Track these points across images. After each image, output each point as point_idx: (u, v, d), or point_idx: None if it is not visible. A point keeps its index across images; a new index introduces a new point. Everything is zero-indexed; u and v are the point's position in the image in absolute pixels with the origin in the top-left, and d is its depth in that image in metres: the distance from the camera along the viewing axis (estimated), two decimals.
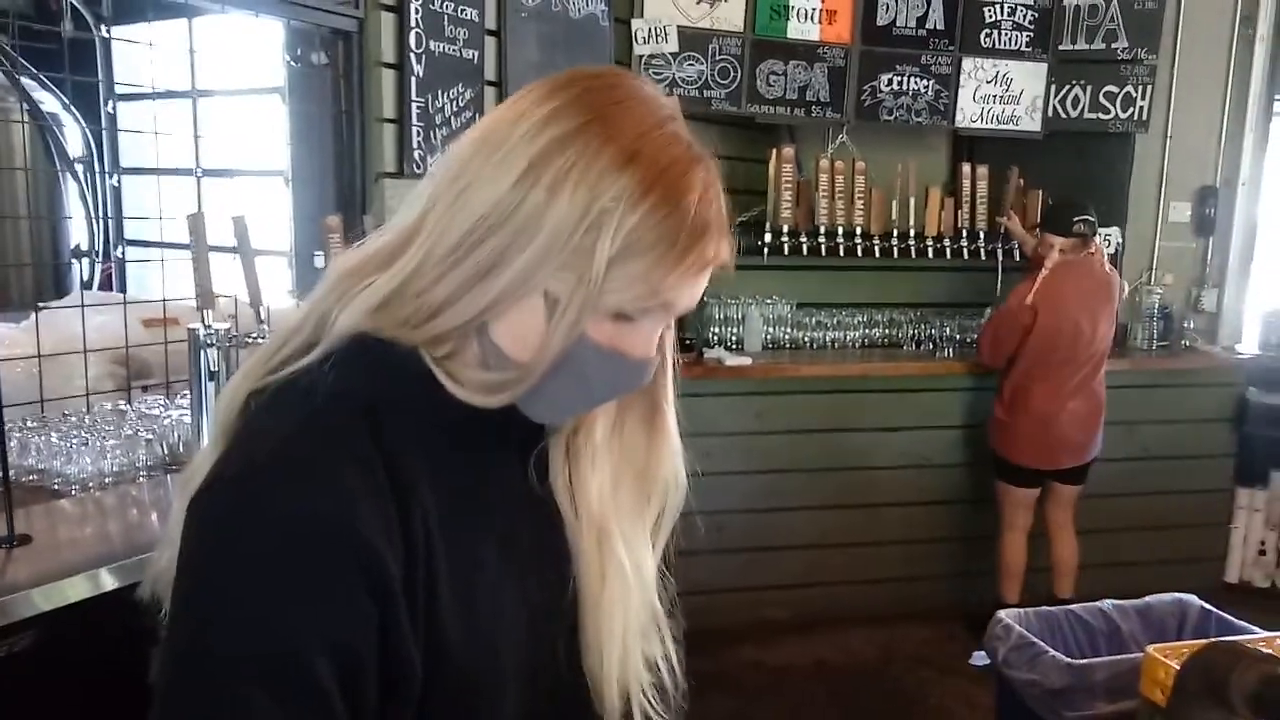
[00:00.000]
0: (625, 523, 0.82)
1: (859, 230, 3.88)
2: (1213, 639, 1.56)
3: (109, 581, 1.56)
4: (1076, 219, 3.41)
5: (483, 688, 0.73)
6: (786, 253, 3.82)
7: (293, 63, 3.26)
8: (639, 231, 0.67)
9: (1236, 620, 2.05)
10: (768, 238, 3.78)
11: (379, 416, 0.70)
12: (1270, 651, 0.86)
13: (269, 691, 0.60)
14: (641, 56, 3.64)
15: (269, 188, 3.90)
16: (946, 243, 3.98)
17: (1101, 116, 4.14)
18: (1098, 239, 3.59)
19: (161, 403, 2.21)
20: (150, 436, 1.99)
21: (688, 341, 3.73)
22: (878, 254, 3.91)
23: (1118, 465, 3.81)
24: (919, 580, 3.88)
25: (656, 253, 0.68)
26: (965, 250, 4.00)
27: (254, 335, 1.98)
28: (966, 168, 4.06)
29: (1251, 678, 0.76)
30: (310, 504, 0.65)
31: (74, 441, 1.89)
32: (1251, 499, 4.30)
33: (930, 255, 3.97)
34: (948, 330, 4.12)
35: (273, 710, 0.60)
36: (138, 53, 3.59)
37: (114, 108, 3.99)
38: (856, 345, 4.12)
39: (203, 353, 1.88)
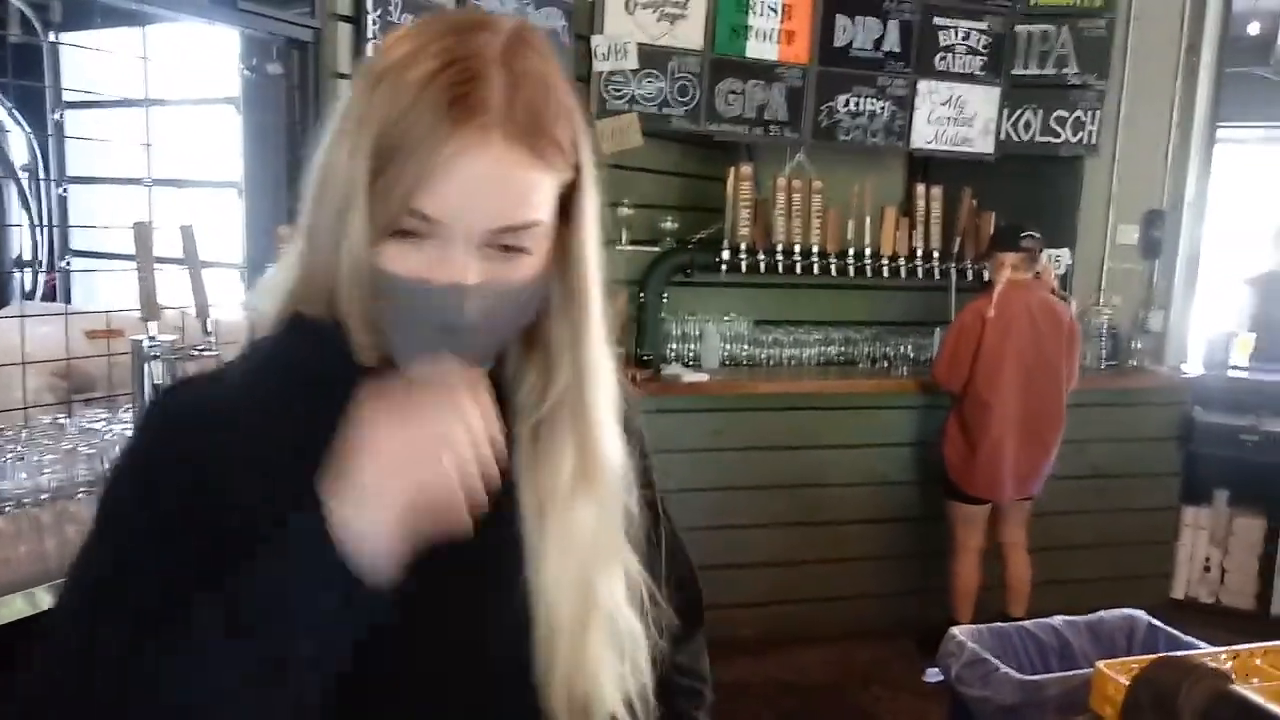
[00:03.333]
0: None
1: (815, 249, 3.91)
2: (1161, 654, 1.58)
3: (46, 600, 1.51)
4: (1022, 235, 3.47)
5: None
6: (744, 270, 3.84)
7: (248, 72, 3.22)
8: (377, 141, 0.68)
9: (1183, 636, 2.08)
10: (725, 255, 3.79)
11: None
12: (1216, 667, 0.87)
13: None
14: (602, 73, 3.64)
15: (222, 198, 3.84)
16: (901, 262, 4.02)
17: (1052, 140, 4.23)
18: (1045, 258, 3.65)
19: (104, 416, 2.15)
20: (90, 451, 1.93)
21: (645, 358, 3.72)
22: (834, 272, 3.95)
23: (1068, 483, 3.86)
24: (874, 598, 3.90)
25: (397, 159, 0.68)
26: (919, 270, 4.04)
27: (200, 347, 1.94)
28: (921, 188, 4.12)
29: (1200, 694, 0.77)
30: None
31: (8, 457, 1.83)
32: (1197, 517, 4.38)
33: (885, 274, 4.01)
34: (903, 348, 4.17)
35: None
36: (89, 60, 3.53)
37: (62, 115, 3.90)
38: (813, 363, 4.14)
39: (146, 365, 1.83)
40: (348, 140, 0.70)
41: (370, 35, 2.80)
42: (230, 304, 2.84)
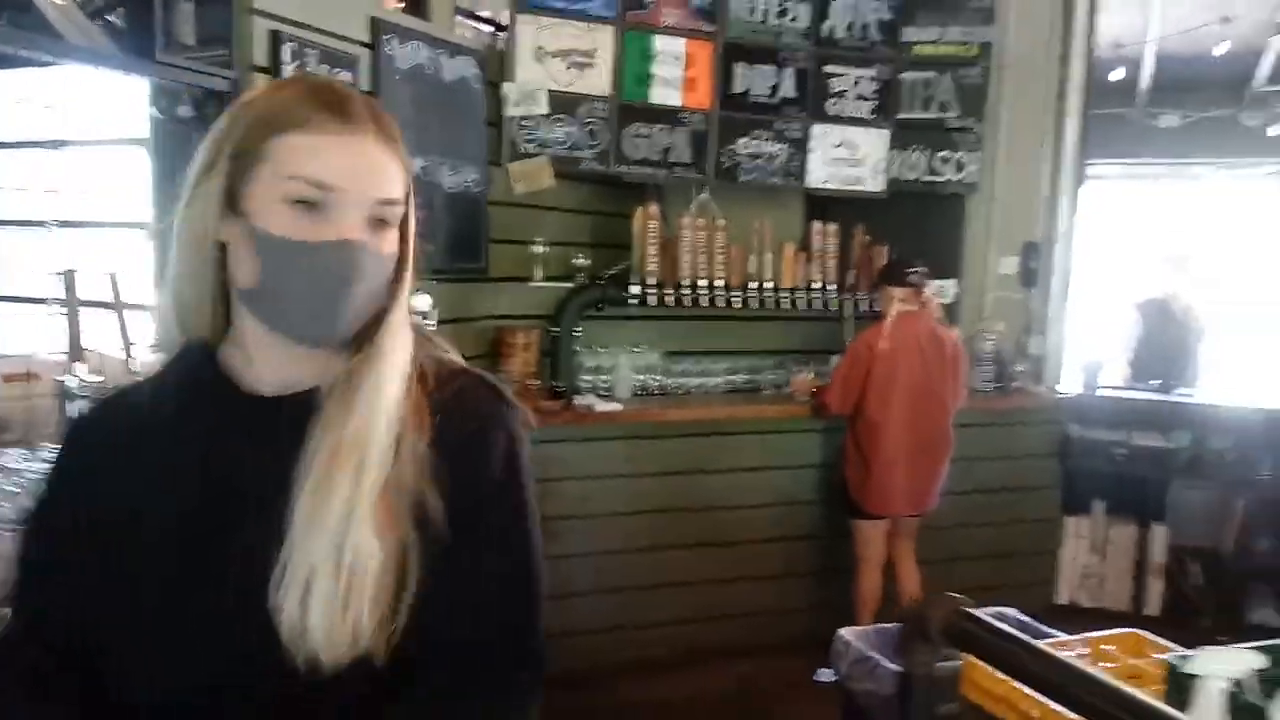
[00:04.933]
0: (345, 482, 0.89)
1: (720, 283, 4.12)
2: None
3: None
4: (909, 270, 3.73)
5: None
6: (653, 304, 4.02)
7: (159, 114, 3.26)
8: (248, 135, 0.87)
9: (1045, 628, 2.30)
10: (635, 290, 3.97)
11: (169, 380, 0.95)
12: (959, 596, 1.07)
13: None
14: (513, 118, 3.80)
15: (131, 240, 3.85)
16: (801, 294, 4.26)
17: (937, 179, 4.54)
18: (929, 289, 3.91)
19: (24, 454, 2.20)
20: (15, 489, 1.98)
21: (559, 389, 3.86)
22: (737, 305, 4.16)
23: (956, 499, 4.10)
24: (781, 613, 4.08)
25: (284, 142, 0.86)
26: (817, 301, 4.29)
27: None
28: (818, 225, 4.37)
29: (942, 614, 0.97)
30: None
31: None
32: (1077, 526, 4.71)
33: (786, 306, 4.25)
34: (804, 375, 4.39)
35: None
36: None
37: None
38: (720, 391, 4.35)
39: (67, 405, 1.90)
40: (205, 157, 0.89)
41: None
42: (141, 346, 2.89)
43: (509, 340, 3.80)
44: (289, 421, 0.88)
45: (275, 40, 2.84)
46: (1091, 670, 0.94)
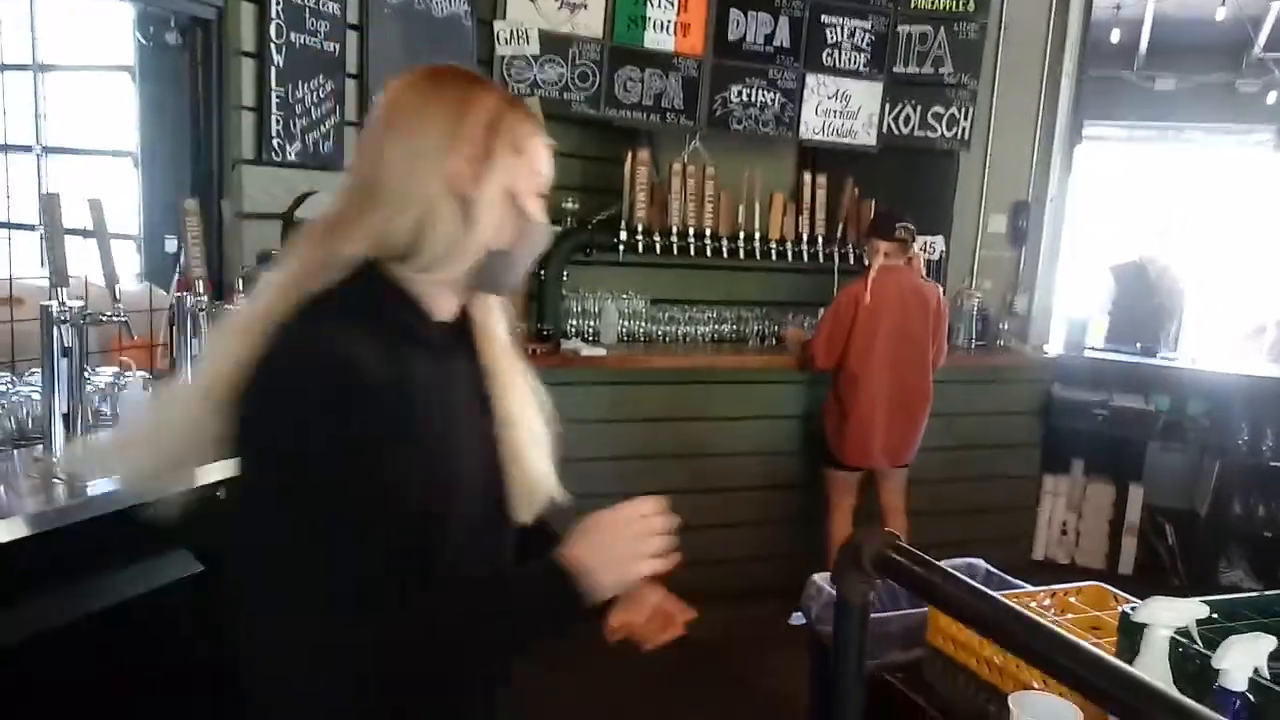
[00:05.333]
0: (520, 376, 1.23)
1: (709, 231, 4.12)
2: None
3: None
4: (897, 225, 3.73)
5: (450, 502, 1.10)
6: (641, 251, 4.02)
7: (144, 41, 3.22)
8: (519, 139, 1.10)
9: (1012, 579, 2.34)
10: (623, 235, 3.96)
11: (383, 317, 1.06)
12: (892, 530, 1.12)
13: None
14: (504, 57, 3.76)
15: (115, 168, 3.81)
16: (789, 245, 4.27)
17: (929, 135, 4.52)
18: (916, 247, 3.92)
19: (7, 379, 2.20)
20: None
21: (546, 332, 3.87)
22: (726, 254, 4.16)
23: (938, 454, 4.16)
24: (762, 560, 4.14)
25: (529, 146, 1.11)
26: (805, 253, 4.29)
27: (107, 314, 2.01)
28: (808, 176, 4.36)
29: (875, 546, 1.01)
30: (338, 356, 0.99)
31: None
32: (1055, 485, 4.78)
33: (774, 257, 4.25)
34: (794, 326, 4.41)
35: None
36: None
37: None
38: (706, 340, 4.36)
39: (56, 329, 1.91)
40: (460, 145, 1.07)
41: (274, 15, 2.86)
42: (126, 275, 2.88)
43: None
44: (465, 339, 1.17)
45: None
46: (1008, 602, 0.99)
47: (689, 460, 4.01)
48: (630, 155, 3.97)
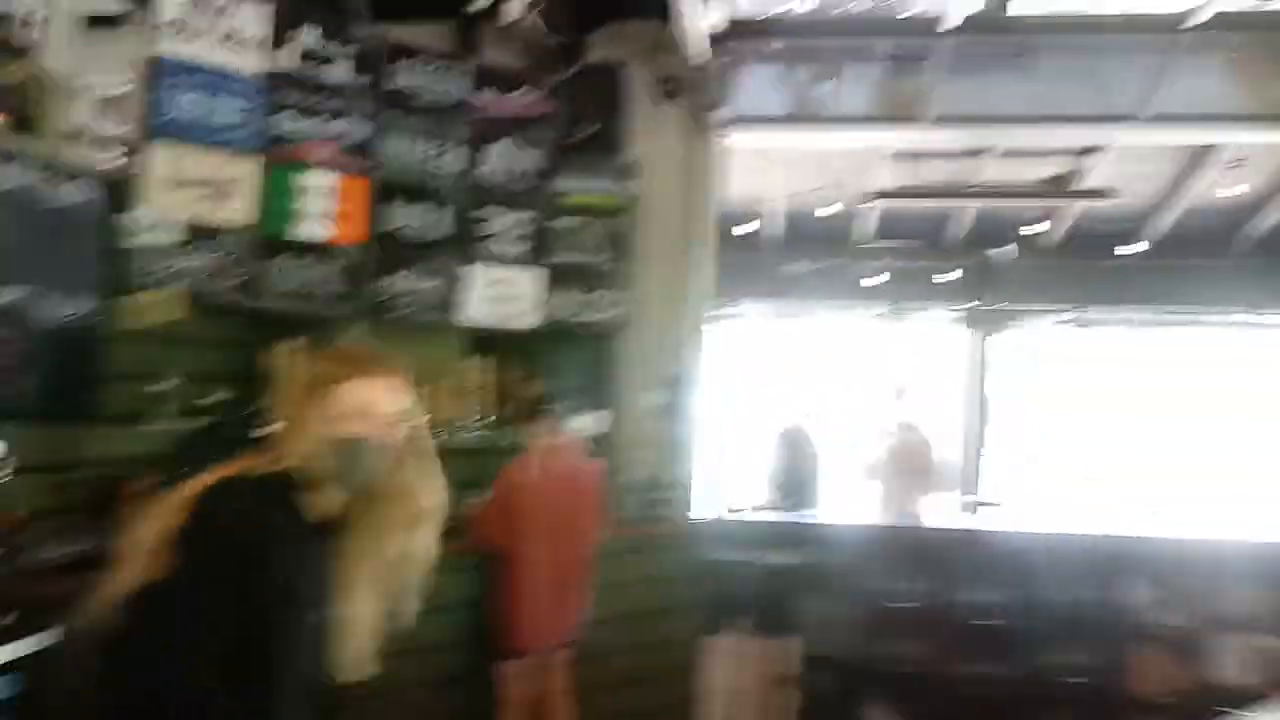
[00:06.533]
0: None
1: None
2: None
3: None
4: (548, 405, 3.92)
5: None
6: None
7: None
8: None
9: None
10: (271, 429, 3.79)
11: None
12: None
13: None
14: (143, 248, 3.56)
15: None
16: (456, 428, 4.29)
17: (587, 317, 4.82)
18: (578, 423, 4.10)
19: None
20: None
21: None
22: None
23: (598, 627, 4.10)
24: None
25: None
26: (472, 435, 4.35)
27: None
28: (476, 359, 4.47)
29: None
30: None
31: None
32: (716, 646, 4.99)
33: (444, 439, 4.23)
34: (457, 509, 4.38)
35: None
36: None
37: None
38: None
39: None
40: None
41: None
42: None
43: (120, 491, 3.41)
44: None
45: None
46: None
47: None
48: (281, 346, 3.85)
